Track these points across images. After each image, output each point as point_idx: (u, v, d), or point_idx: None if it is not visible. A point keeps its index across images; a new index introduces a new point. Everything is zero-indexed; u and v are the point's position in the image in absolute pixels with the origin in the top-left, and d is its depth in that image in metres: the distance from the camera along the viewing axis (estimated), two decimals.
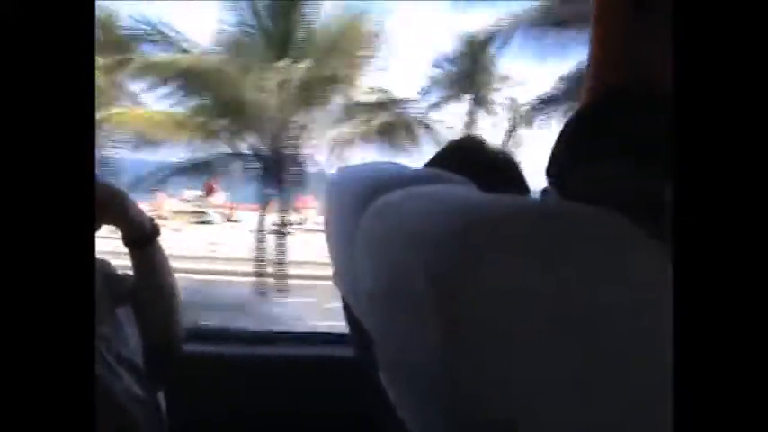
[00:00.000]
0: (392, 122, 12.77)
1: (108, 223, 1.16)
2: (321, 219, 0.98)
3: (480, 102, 13.87)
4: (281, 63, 11.57)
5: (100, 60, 10.19)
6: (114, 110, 11.57)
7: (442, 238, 0.50)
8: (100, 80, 10.24)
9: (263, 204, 12.25)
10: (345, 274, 0.84)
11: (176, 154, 12.18)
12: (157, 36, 11.91)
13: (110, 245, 1.44)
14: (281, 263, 12.20)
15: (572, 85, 11.37)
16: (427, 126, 13.14)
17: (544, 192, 0.74)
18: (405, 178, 0.74)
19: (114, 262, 1.26)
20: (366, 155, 12.57)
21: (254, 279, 12.39)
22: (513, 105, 13.64)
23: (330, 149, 12.36)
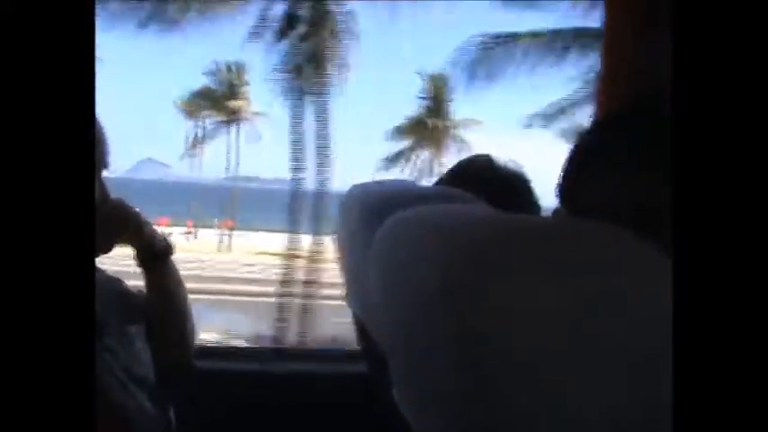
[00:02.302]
0: None
1: (122, 242, 1.17)
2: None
3: None
4: None
5: None
6: None
7: (455, 256, 0.50)
8: None
9: None
10: (357, 291, 0.84)
11: None
12: None
13: (123, 264, 1.45)
14: None
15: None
16: None
17: (555, 212, 0.74)
18: (416, 196, 0.75)
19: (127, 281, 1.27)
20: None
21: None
22: None
23: None
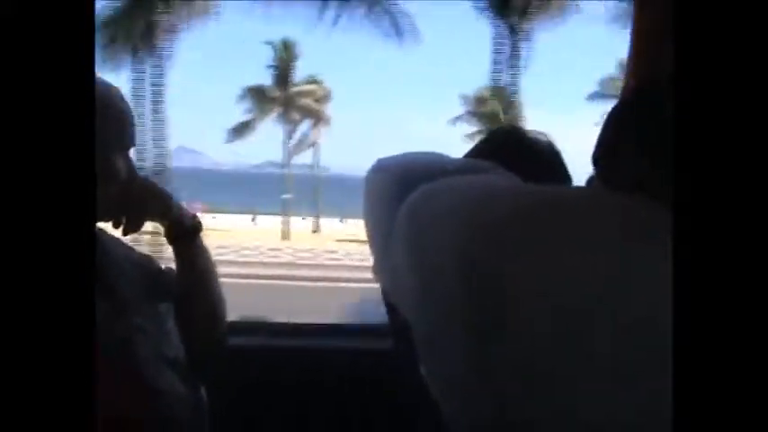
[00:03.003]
0: None
1: (151, 219, 1.18)
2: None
3: None
4: None
5: None
6: None
7: (484, 228, 0.50)
8: None
9: None
10: (385, 264, 0.84)
11: None
12: None
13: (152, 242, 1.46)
14: None
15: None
16: None
17: (590, 181, 0.73)
18: (445, 168, 0.74)
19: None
20: None
21: None
22: None
23: None
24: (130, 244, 1.26)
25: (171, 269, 1.25)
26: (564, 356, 0.45)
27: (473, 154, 1.10)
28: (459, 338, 0.52)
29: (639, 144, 0.65)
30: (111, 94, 1.10)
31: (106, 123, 1.05)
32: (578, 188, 0.72)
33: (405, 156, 0.90)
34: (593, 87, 23.46)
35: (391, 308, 0.93)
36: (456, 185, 0.62)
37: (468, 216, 0.53)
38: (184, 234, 1.21)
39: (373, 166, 0.92)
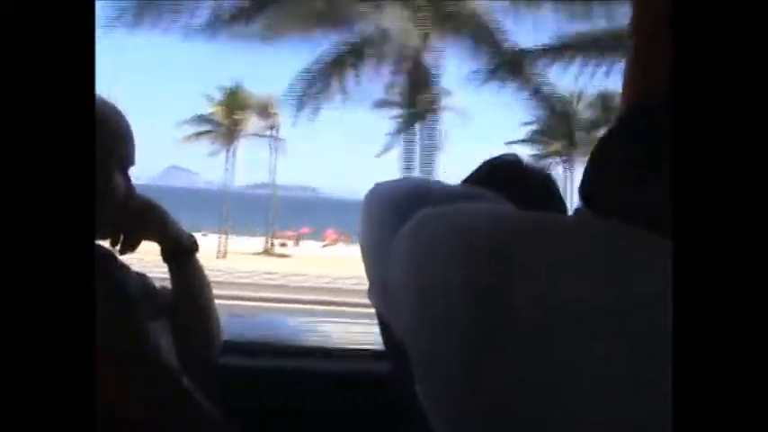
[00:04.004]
0: None
1: (148, 238, 1.18)
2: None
3: None
4: None
5: None
6: None
7: (480, 255, 0.50)
8: None
9: None
10: (380, 289, 0.84)
11: None
12: None
13: (148, 260, 1.47)
14: None
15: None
16: None
17: (577, 211, 0.73)
18: (442, 194, 0.74)
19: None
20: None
21: None
22: None
23: None
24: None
25: (166, 287, 1.26)
26: (561, 377, 0.45)
27: (470, 181, 1.11)
28: (455, 357, 0.52)
29: (632, 171, 0.66)
30: (109, 110, 1.11)
31: (104, 140, 1.06)
32: (574, 215, 0.73)
33: (403, 181, 0.91)
34: None
35: (386, 328, 0.93)
36: (456, 210, 0.63)
37: (468, 239, 0.53)
38: (181, 253, 1.22)
39: (371, 190, 0.92)
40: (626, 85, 1.16)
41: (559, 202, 1.13)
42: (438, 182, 0.87)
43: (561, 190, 1.14)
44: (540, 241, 0.49)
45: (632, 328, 0.44)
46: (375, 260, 0.85)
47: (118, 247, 1.16)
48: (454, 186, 0.85)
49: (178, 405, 1.01)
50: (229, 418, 1.10)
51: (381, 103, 15.75)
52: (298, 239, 28.12)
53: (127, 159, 1.13)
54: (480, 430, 0.51)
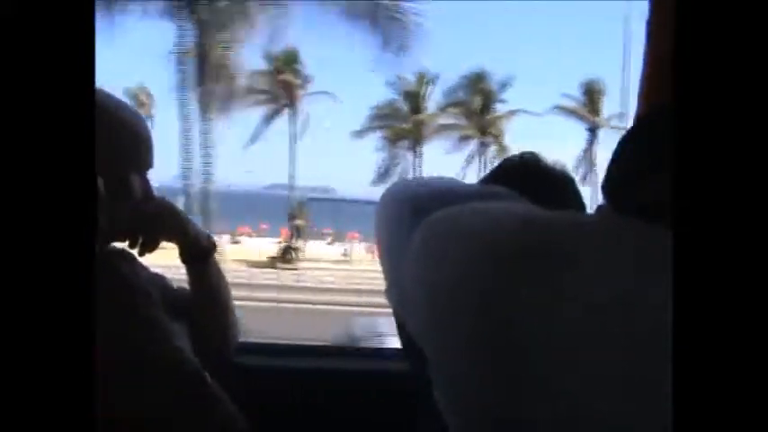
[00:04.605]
0: None
1: (167, 239, 1.19)
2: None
3: None
4: None
5: None
6: None
7: (499, 255, 0.50)
8: None
9: None
10: (397, 289, 0.84)
11: None
12: None
13: (166, 260, 1.47)
14: None
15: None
16: None
17: (599, 208, 0.73)
18: (460, 194, 0.74)
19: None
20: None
21: None
22: None
23: None
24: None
25: (184, 288, 1.26)
26: (575, 380, 0.45)
27: (488, 180, 1.11)
28: (467, 356, 0.52)
29: (652, 170, 0.65)
30: (128, 114, 1.11)
31: (121, 143, 1.06)
32: (593, 215, 0.72)
33: (420, 180, 0.91)
34: None
35: (403, 329, 0.93)
36: (474, 209, 0.63)
37: (486, 239, 0.53)
38: (200, 254, 1.22)
39: (388, 189, 0.92)
40: (643, 84, 1.16)
41: (578, 201, 1.12)
42: (456, 180, 0.87)
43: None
44: (560, 239, 0.49)
45: (653, 326, 0.44)
46: (392, 261, 0.85)
47: (137, 249, 1.16)
48: (473, 185, 0.84)
49: (202, 404, 1.02)
50: (248, 417, 1.10)
51: None
52: None
53: (145, 162, 1.13)
54: (494, 430, 0.51)
